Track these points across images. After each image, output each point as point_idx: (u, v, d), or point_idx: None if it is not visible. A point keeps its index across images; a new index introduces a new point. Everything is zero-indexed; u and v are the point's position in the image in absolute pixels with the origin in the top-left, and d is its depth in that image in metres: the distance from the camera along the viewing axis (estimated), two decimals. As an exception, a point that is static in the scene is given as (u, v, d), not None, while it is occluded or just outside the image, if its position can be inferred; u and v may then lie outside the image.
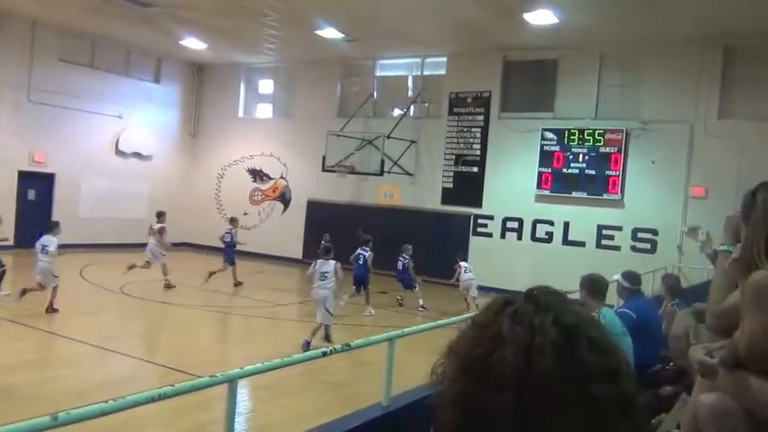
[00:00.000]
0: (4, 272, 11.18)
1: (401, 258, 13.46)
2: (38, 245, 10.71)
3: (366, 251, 12.73)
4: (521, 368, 0.80)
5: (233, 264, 14.55)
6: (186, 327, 10.99)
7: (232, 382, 3.11)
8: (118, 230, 18.80)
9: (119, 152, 19.55)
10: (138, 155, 20.02)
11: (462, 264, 13.37)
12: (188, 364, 7.86)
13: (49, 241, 10.69)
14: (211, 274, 14.20)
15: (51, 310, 10.33)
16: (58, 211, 18.09)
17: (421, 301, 13.15)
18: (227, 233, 14.92)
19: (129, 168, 19.77)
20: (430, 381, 0.88)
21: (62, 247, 17.11)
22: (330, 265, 9.64)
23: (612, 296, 6.57)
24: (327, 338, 9.19)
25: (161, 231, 14.00)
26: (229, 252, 14.67)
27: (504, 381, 0.80)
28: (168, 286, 13.54)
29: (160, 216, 14.34)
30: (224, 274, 14.37)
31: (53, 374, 7.26)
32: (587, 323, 0.86)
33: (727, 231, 2.60)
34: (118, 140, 19.47)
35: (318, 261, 9.74)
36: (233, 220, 15.50)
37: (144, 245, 14.31)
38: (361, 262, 12.61)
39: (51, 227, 11.06)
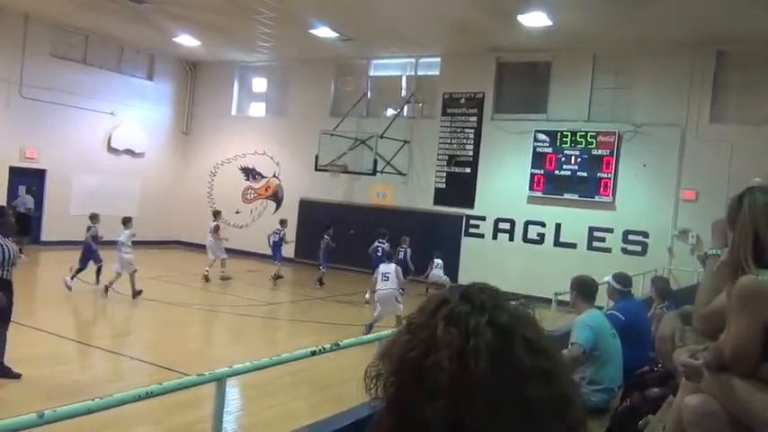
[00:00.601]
0: (101, 267, 12.58)
1: (401, 249, 14.59)
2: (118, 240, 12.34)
3: (384, 243, 14.02)
4: (455, 373, 0.78)
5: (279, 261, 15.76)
6: (177, 325, 10.96)
7: (220, 380, 3.10)
8: (108, 227, 18.63)
9: (111, 149, 19.47)
10: (130, 152, 19.95)
11: (436, 260, 14.23)
12: (178, 363, 7.84)
13: (122, 233, 12.37)
14: (277, 278, 15.41)
15: (136, 294, 11.86)
16: (48, 207, 18.02)
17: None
18: (275, 233, 16.00)
19: (120, 165, 19.68)
20: (363, 385, 0.86)
21: (51, 243, 17.18)
22: (391, 267, 10.75)
23: (602, 298, 6.60)
24: (369, 328, 9.80)
25: (216, 229, 15.47)
26: (278, 250, 15.81)
27: (438, 386, 0.78)
28: (225, 278, 15.00)
29: (216, 215, 15.97)
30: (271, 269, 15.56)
31: (41, 372, 7.21)
32: (523, 322, 0.84)
33: (715, 235, 2.62)
34: (110, 137, 19.38)
35: (381, 265, 10.99)
36: (282, 222, 16.40)
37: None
38: (379, 253, 13.60)
39: (124, 222, 12.67)
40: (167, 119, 21.32)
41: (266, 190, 20.39)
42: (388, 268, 10.63)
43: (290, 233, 19.33)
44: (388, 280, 10.48)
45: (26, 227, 16.26)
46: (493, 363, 0.78)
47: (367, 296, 13.28)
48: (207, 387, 3.29)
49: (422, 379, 0.80)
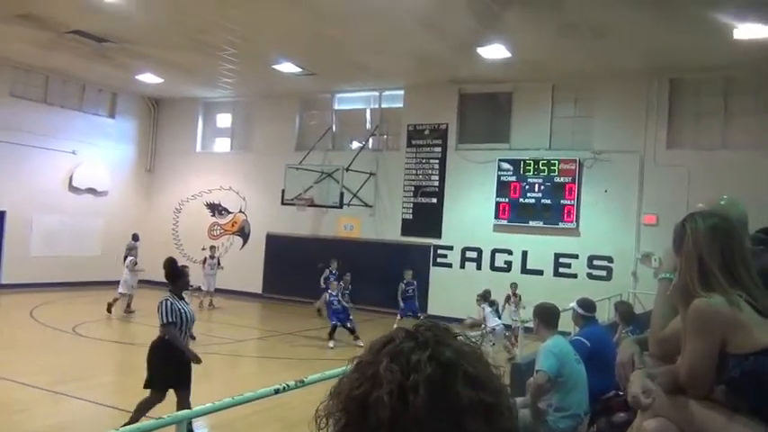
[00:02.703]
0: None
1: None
2: None
3: (413, 284, 14.60)
4: (396, 408, 0.80)
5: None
6: (142, 367, 10.69)
7: (180, 423, 3.03)
8: (71, 269, 18.31)
9: (72, 188, 19.14)
10: (92, 191, 19.64)
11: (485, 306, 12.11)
12: (142, 406, 7.62)
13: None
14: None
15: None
16: (7, 249, 17.57)
17: None
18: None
19: (83, 205, 19.34)
20: (314, 424, 0.87)
21: (12, 286, 16.73)
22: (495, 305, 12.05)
23: (569, 323, 6.65)
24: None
25: (204, 261, 17.20)
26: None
27: (380, 422, 0.80)
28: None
29: (211, 249, 17.78)
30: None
31: (-1, 421, 6.96)
32: (466, 358, 0.86)
33: (666, 259, 2.68)
34: (72, 176, 19.08)
35: (484, 306, 11.70)
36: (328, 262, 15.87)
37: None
38: (410, 293, 14.58)
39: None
40: (130, 157, 21.10)
41: (233, 225, 20.22)
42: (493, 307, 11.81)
43: (258, 268, 19.22)
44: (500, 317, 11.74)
45: None
46: (432, 397, 0.80)
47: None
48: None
49: (366, 415, 0.81)
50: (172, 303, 6.50)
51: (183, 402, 6.31)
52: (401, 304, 14.41)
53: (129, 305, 14.95)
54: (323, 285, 14.70)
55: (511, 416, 0.86)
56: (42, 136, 18.13)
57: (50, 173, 18.53)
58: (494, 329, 11.08)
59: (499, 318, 11.87)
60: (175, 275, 6.72)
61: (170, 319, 6.42)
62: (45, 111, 18.42)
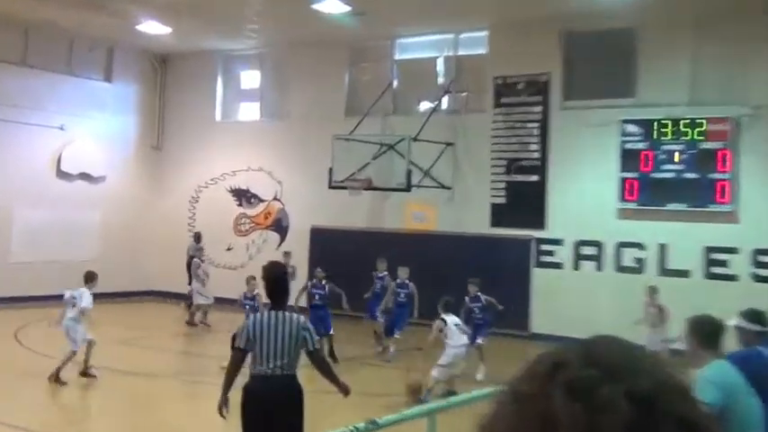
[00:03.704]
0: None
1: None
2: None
3: (383, 279, 14.86)
4: None
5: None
6: (159, 403, 10.98)
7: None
8: (61, 277, 18.82)
9: (61, 173, 19.75)
10: (86, 176, 20.22)
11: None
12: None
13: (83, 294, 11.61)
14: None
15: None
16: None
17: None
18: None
19: (74, 194, 19.91)
20: None
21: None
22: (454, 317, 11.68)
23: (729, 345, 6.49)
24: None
25: None
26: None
27: None
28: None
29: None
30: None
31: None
32: (672, 391, 0.83)
33: None
34: (60, 158, 19.68)
35: (449, 316, 11.43)
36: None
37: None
38: (378, 290, 14.82)
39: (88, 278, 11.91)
40: (132, 131, 21.65)
41: (266, 218, 20.52)
42: (456, 318, 11.45)
43: (300, 272, 19.43)
44: (465, 333, 11.47)
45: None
46: None
47: (392, 351, 14.13)
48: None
49: None
50: None
51: None
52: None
53: (205, 315, 16.51)
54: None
55: None
56: (22, 108, 18.74)
57: (32, 154, 19.13)
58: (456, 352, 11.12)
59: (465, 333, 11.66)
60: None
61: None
62: (24, 75, 19.05)
